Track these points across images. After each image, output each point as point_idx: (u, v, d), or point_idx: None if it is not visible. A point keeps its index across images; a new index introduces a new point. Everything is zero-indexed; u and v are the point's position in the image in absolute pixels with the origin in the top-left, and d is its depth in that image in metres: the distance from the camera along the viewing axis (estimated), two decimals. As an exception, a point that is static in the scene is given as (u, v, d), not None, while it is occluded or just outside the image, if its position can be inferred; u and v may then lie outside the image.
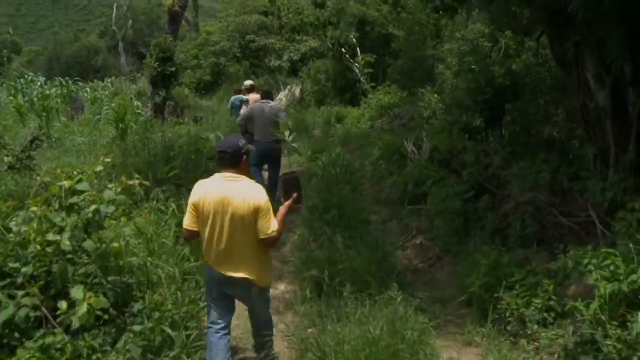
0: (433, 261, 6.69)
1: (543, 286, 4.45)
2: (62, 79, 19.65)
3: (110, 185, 4.27)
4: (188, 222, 4.09)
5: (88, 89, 20.27)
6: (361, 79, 20.97)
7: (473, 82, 11.96)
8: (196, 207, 4.02)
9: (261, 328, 4.37)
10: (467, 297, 5.30)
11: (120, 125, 12.69)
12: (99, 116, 15.66)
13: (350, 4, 23.03)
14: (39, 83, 19.81)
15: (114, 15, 48.48)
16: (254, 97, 11.41)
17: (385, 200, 9.10)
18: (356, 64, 21.29)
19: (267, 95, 9.76)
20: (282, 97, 22.84)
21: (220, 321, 4.19)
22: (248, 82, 12.26)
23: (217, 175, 4.07)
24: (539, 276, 4.59)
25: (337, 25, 21.99)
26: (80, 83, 21.18)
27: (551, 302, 4.36)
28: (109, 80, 24.60)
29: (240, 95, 12.26)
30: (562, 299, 4.42)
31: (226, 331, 4.22)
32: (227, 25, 28.28)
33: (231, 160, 4.01)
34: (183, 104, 20.72)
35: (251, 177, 4.20)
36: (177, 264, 5.30)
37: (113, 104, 14.86)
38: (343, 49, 21.38)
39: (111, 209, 4.21)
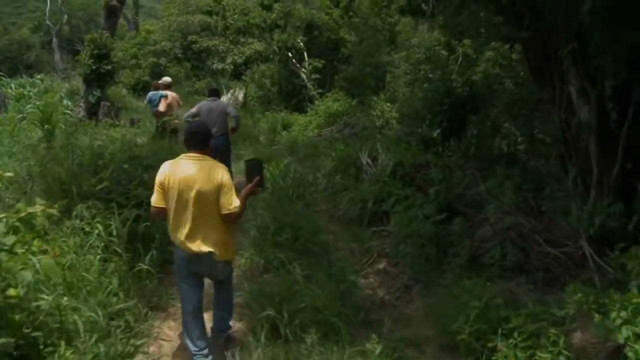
0: (401, 292, 5.89)
1: (549, 337, 3.71)
2: None
3: (1, 216, 3.21)
4: (156, 200, 4.24)
5: (13, 85, 18.54)
6: (308, 84, 20.21)
7: (430, 92, 11.40)
8: (162, 185, 4.18)
9: (225, 307, 4.73)
10: (450, 342, 4.53)
11: (47, 126, 11.41)
12: (21, 115, 14.11)
13: (297, 8, 22.26)
14: (-46, 77, 18.06)
15: (47, 9, 45.89)
16: (172, 94, 11.86)
17: (342, 218, 8.27)
18: (303, 69, 20.53)
19: (214, 92, 10.03)
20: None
21: (192, 300, 4.40)
22: (167, 79, 12.47)
23: (182, 155, 4.27)
24: (542, 323, 3.84)
25: (284, 29, 21.17)
26: (3, 79, 19.38)
27: (561, 358, 3.61)
28: (39, 77, 22.73)
29: (160, 91, 12.00)
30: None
31: (199, 311, 4.46)
32: (169, 25, 26.94)
33: (200, 142, 4.25)
34: (119, 105, 19.28)
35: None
36: (102, 303, 4.28)
37: (39, 103, 13.46)
38: (290, 53, 20.58)
39: (11, 239, 3.20)
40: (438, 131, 11.19)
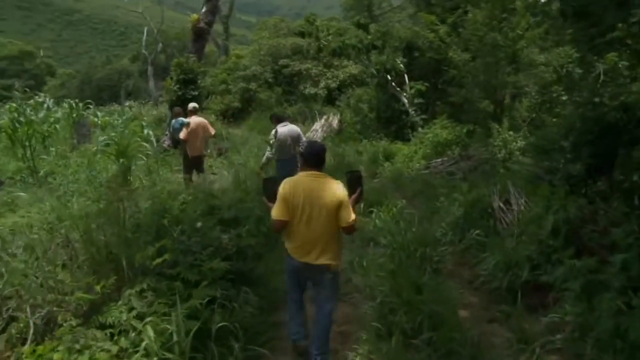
0: None
1: None
2: (72, 102, 17.25)
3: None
4: (279, 213, 4.49)
5: (99, 114, 17.69)
6: (410, 110, 18.20)
7: (568, 117, 9.15)
8: (286, 200, 4.49)
9: (325, 323, 4.66)
10: None
11: (122, 160, 10.12)
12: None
13: (396, 27, 20.45)
14: (45, 105, 17.40)
15: (144, 38, 46.77)
16: (195, 119, 11.20)
17: (483, 288, 6.19)
18: (404, 93, 18.56)
19: (281, 118, 9.79)
20: (317, 128, 20.16)
21: (297, 298, 4.87)
22: (192, 105, 11.74)
23: (302, 173, 4.66)
24: None
25: (382, 50, 19.35)
26: (91, 107, 18.67)
27: None
28: (128, 104, 22.15)
29: (182, 118, 11.63)
30: None
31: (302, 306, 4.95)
32: (259, 48, 25.83)
33: (320, 161, 4.66)
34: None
35: None
36: None
37: (113, 133, 12.31)
38: (389, 76, 18.70)
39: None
40: (580, 166, 8.89)
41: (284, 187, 4.54)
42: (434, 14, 19.03)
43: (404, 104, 18.59)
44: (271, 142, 9.28)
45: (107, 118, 15.16)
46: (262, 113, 23.39)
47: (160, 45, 45.27)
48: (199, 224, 4.70)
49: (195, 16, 15.59)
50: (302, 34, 16.20)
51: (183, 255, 4.25)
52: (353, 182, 4.70)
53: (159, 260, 4.00)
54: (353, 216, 4.45)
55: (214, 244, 4.59)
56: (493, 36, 13.77)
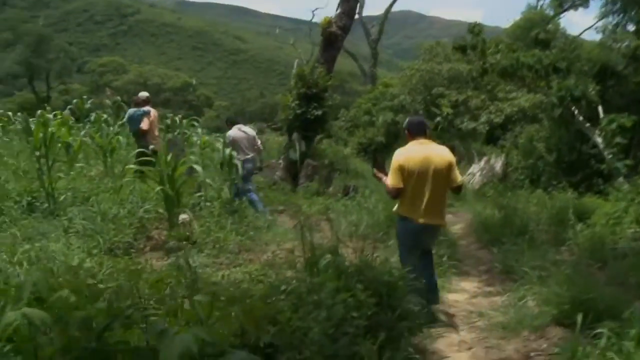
0: None
1: None
2: (175, 117, 15.34)
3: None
4: (396, 181, 4.99)
5: (199, 131, 15.15)
6: (605, 152, 13.42)
7: None
8: (402, 168, 4.96)
9: (432, 267, 5.42)
10: None
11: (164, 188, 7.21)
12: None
13: (584, 45, 15.85)
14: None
15: (293, 71, 45.67)
16: (154, 111, 11.03)
17: None
18: (597, 131, 13.82)
19: (234, 122, 10.26)
20: (475, 172, 16.00)
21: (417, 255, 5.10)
22: (144, 93, 11.46)
23: (411, 142, 5.14)
24: None
25: (567, 74, 14.81)
26: (196, 124, 16.31)
27: None
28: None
29: (142, 108, 10.85)
30: None
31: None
32: (410, 76, 22.20)
33: (425, 129, 5.21)
34: (336, 167, 14.60)
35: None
36: None
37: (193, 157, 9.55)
38: (575, 108, 14.10)
39: None
40: None
41: (398, 157, 5.06)
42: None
43: (595, 145, 13.89)
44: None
45: (206, 137, 12.45)
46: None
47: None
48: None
49: (326, 18, 12.44)
50: (462, 49, 12.69)
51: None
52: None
53: None
54: (460, 177, 5.15)
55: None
56: None
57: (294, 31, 58.12)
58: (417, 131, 5.10)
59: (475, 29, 12.70)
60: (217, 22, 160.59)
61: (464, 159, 18.11)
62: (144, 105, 10.84)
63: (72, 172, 9.36)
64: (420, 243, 5.12)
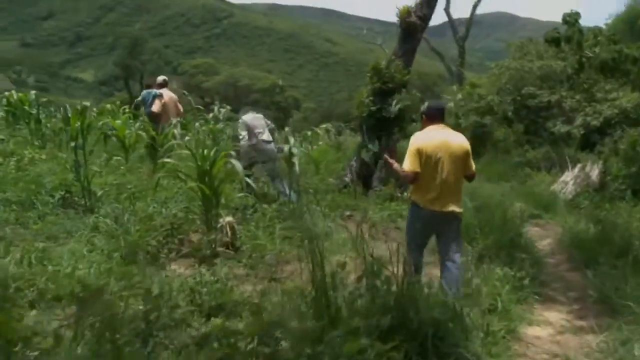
0: None
1: None
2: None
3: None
4: (413, 165, 4.91)
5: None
6: None
7: None
8: (420, 152, 4.89)
9: (456, 271, 5.04)
10: None
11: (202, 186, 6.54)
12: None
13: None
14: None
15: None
16: (169, 93, 11.08)
17: None
18: None
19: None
20: (568, 180, 14.45)
21: (421, 243, 5.20)
22: (161, 77, 11.52)
23: (429, 127, 5.10)
24: None
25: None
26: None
27: None
28: (324, 126, 21.06)
29: (154, 90, 10.85)
30: None
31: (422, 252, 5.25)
32: (499, 75, 20.67)
33: (443, 115, 5.23)
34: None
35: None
36: None
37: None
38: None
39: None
40: None
41: (416, 141, 4.99)
42: None
43: None
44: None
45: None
46: (497, 156, 18.26)
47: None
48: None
49: (405, 8, 11.46)
50: (556, 41, 11.34)
51: None
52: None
53: None
54: (474, 165, 5.19)
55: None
56: None
57: (383, 34, 57.43)
58: (435, 116, 5.14)
59: (571, 18, 11.25)
60: (308, 25, 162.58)
61: (556, 166, 16.50)
62: (159, 88, 10.92)
63: (122, 167, 8.98)
64: (428, 231, 5.13)
